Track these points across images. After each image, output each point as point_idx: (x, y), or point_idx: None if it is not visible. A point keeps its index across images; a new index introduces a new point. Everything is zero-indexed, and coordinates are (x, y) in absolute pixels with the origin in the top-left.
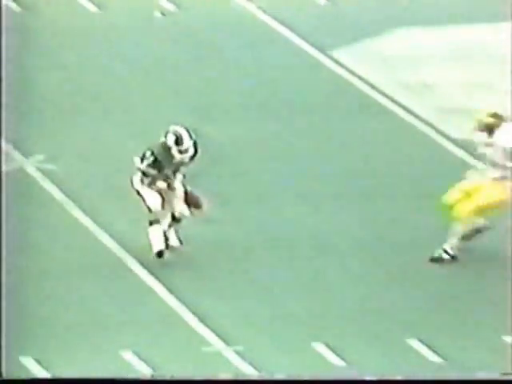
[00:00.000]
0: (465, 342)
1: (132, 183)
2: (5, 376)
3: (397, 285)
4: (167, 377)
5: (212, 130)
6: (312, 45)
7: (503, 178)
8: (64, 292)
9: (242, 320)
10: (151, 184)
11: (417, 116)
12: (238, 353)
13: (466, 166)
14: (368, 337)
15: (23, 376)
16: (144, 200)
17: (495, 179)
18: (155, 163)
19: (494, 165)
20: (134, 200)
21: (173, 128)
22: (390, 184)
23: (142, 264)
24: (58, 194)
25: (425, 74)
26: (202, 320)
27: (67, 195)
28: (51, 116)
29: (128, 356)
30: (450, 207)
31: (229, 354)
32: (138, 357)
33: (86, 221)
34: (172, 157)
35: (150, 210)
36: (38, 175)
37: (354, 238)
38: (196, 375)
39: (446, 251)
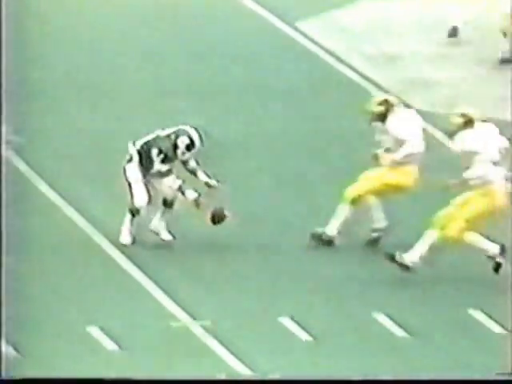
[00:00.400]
0: (431, 316)
1: (125, 174)
2: (4, 376)
3: (361, 258)
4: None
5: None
6: (278, 17)
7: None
8: (28, 268)
9: (210, 295)
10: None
11: (381, 87)
12: (205, 328)
13: (429, 137)
14: (335, 312)
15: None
16: (132, 194)
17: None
18: (165, 160)
19: (389, 151)
20: (107, 180)
21: (185, 130)
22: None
23: (109, 240)
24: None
25: (388, 45)
26: (169, 295)
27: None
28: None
29: (95, 332)
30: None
31: (196, 328)
32: (104, 333)
33: (56, 198)
34: (175, 154)
35: (133, 203)
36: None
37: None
38: (195, 375)
39: (325, 232)
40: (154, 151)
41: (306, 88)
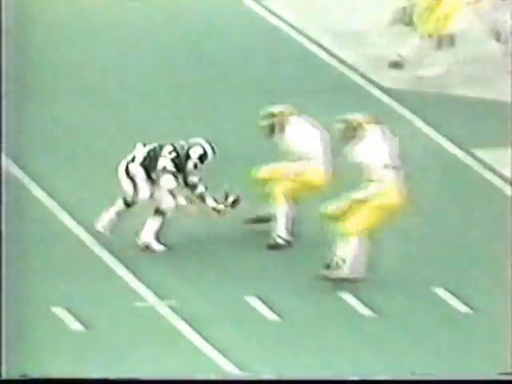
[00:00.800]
0: (400, 295)
1: (128, 170)
2: (5, 376)
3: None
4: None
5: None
6: None
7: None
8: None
9: (176, 275)
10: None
11: (346, 64)
12: (171, 308)
13: (393, 114)
14: (300, 291)
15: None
16: (136, 189)
17: None
18: (175, 160)
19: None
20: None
21: (198, 141)
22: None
23: (75, 220)
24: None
25: (355, 22)
26: (134, 275)
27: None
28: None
29: (60, 312)
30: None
31: (162, 309)
32: (69, 313)
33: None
34: (185, 165)
35: (133, 199)
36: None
37: None
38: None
39: (280, 236)
40: (169, 147)
41: (273, 64)
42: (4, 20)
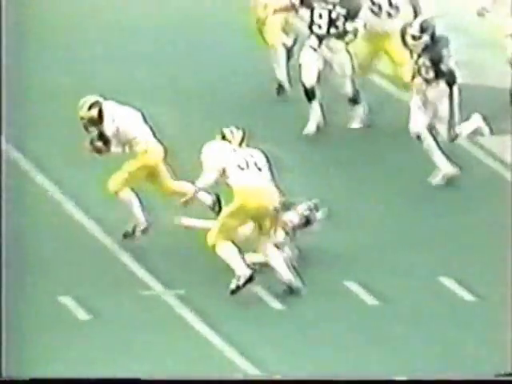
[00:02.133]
0: (403, 282)
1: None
2: (5, 376)
3: None
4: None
5: None
6: None
7: None
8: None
9: (183, 263)
10: None
11: None
12: (178, 297)
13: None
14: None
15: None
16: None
17: None
18: None
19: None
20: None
21: None
22: None
23: (80, 208)
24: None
25: None
26: (140, 263)
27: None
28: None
29: (67, 301)
30: None
31: (169, 298)
32: (76, 302)
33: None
34: None
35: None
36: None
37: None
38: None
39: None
40: None
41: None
42: (4, 20)
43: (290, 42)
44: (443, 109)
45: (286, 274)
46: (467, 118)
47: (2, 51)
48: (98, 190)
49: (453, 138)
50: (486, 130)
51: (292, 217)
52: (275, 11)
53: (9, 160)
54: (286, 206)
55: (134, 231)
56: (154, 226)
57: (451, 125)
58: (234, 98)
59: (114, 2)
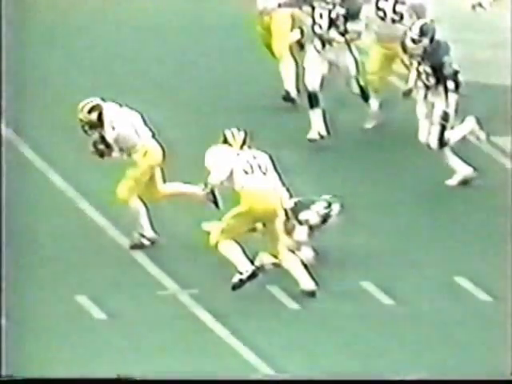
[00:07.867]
0: (419, 282)
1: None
2: (5, 376)
3: None
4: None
5: None
6: None
7: None
8: (15, 234)
9: (198, 263)
10: None
11: None
12: (193, 296)
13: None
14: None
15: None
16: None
17: None
18: None
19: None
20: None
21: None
22: None
23: (95, 207)
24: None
25: None
26: (156, 263)
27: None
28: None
29: (83, 301)
30: None
31: (183, 297)
32: (93, 301)
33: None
34: None
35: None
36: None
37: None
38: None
39: (143, 235)
40: None
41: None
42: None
43: (297, 35)
44: (437, 115)
45: (308, 283)
46: (462, 121)
47: (2, 43)
48: (114, 189)
49: (442, 145)
50: (482, 134)
51: (309, 216)
52: (280, 5)
53: (28, 166)
54: (305, 205)
55: (141, 243)
56: (167, 228)
57: (442, 132)
58: (239, 103)
59: (115, 2)
